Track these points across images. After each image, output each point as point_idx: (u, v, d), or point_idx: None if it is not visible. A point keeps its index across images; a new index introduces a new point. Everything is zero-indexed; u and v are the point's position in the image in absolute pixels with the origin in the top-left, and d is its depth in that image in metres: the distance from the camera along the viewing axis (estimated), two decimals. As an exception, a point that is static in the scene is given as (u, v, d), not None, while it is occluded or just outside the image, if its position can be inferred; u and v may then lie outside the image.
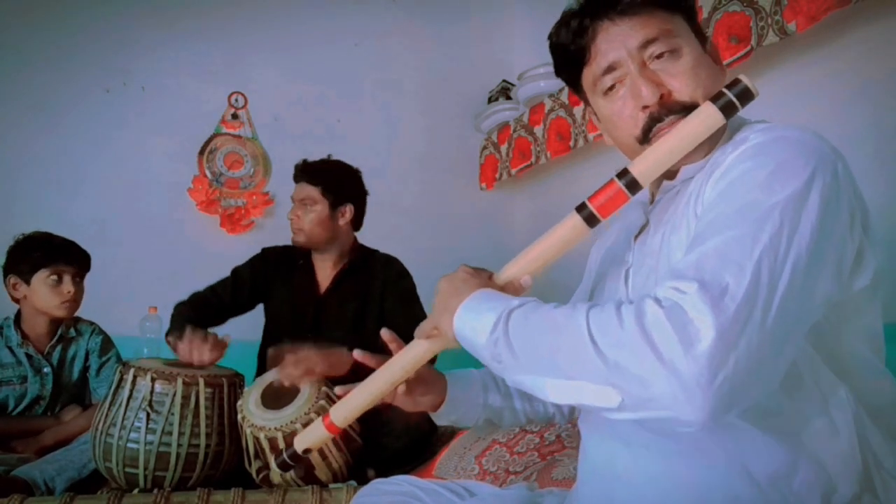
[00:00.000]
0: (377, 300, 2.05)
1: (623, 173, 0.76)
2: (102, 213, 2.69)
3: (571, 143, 2.57)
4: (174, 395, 1.57)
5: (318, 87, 3.11)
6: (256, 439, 1.58)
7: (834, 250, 0.66)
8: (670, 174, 0.82)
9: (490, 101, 3.20)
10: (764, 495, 0.68)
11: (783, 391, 0.67)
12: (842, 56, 1.67)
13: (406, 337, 0.94)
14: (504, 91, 3.15)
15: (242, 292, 2.07)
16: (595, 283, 0.98)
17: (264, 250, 2.16)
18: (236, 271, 2.10)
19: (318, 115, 3.08)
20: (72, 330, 2.06)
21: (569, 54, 0.85)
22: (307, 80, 3.09)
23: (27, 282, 1.94)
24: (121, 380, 1.60)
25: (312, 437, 0.99)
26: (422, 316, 1.30)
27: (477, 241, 3.16)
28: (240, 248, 2.32)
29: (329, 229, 2.04)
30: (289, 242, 2.10)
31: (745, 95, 0.72)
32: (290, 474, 1.58)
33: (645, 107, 0.79)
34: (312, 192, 2.03)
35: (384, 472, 1.40)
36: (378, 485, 1.08)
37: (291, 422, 1.55)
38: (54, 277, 1.94)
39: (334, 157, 2.11)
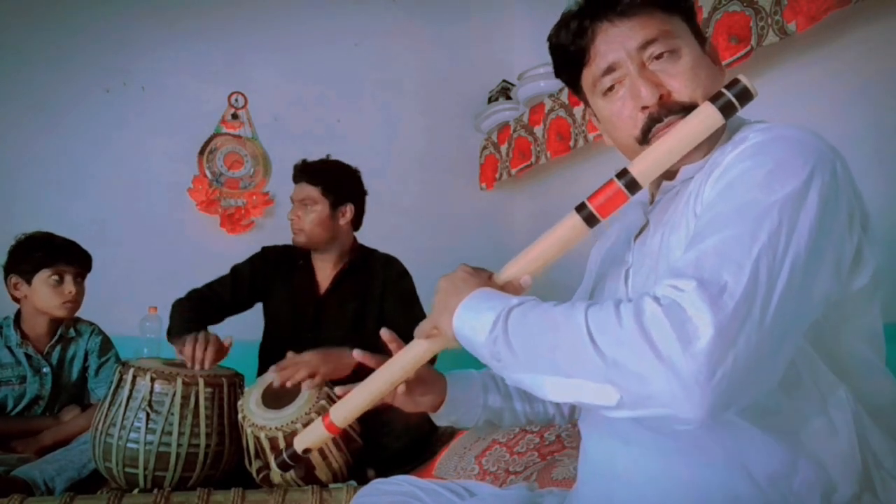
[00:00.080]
0: (377, 300, 2.05)
1: (622, 173, 0.77)
2: (102, 213, 2.69)
3: (571, 143, 2.57)
4: (174, 394, 1.56)
5: (318, 87, 3.11)
6: (257, 439, 1.58)
7: (832, 249, 0.66)
8: (670, 174, 0.82)
9: (490, 101, 3.20)
10: (764, 494, 0.68)
11: (782, 390, 0.67)
12: (842, 56, 1.67)
13: (406, 337, 0.94)
14: (504, 91, 3.15)
15: (242, 290, 2.07)
16: (595, 283, 0.98)
17: (264, 249, 2.16)
18: (236, 269, 2.10)
19: (318, 115, 3.08)
20: (71, 330, 2.06)
21: (568, 55, 0.86)
22: (307, 80, 3.09)
23: (28, 282, 1.94)
24: (120, 380, 1.60)
25: (312, 437, 0.99)
26: (421, 316, 1.30)
27: (477, 241, 3.16)
28: (240, 248, 2.31)
29: (329, 229, 2.04)
30: (289, 242, 2.10)
31: (744, 95, 0.72)
32: (291, 474, 1.58)
33: (644, 107, 0.80)
34: (312, 192, 2.03)
35: (384, 472, 1.40)
36: (378, 485, 1.08)
37: (292, 422, 1.56)
38: (56, 277, 1.94)
39: (334, 157, 2.11)
